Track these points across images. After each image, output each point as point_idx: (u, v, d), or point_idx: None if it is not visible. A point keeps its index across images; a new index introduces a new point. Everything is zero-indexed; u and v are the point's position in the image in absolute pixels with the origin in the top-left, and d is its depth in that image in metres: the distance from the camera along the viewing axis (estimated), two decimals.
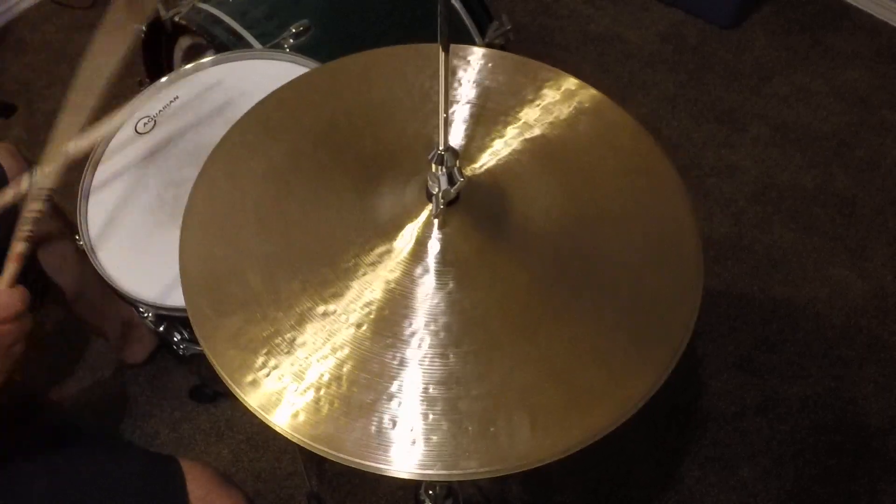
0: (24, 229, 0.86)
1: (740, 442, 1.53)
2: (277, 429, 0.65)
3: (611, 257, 0.75)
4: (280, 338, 0.70)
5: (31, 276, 1.21)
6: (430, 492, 1.08)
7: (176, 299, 1.06)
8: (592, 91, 0.86)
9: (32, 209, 0.87)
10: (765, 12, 2.22)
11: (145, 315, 1.09)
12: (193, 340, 1.17)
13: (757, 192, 1.86)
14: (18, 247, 0.85)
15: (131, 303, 1.08)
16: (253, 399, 0.66)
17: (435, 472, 0.63)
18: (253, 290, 0.73)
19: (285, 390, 0.67)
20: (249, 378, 0.67)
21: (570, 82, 0.86)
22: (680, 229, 0.76)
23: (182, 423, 1.57)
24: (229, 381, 0.68)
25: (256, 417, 0.66)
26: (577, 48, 2.16)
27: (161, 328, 1.14)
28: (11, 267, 0.84)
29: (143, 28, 1.52)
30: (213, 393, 1.57)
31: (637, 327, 0.71)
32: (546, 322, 0.71)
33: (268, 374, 0.68)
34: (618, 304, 0.72)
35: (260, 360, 0.68)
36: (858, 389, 1.58)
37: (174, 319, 1.14)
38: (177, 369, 1.62)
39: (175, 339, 1.18)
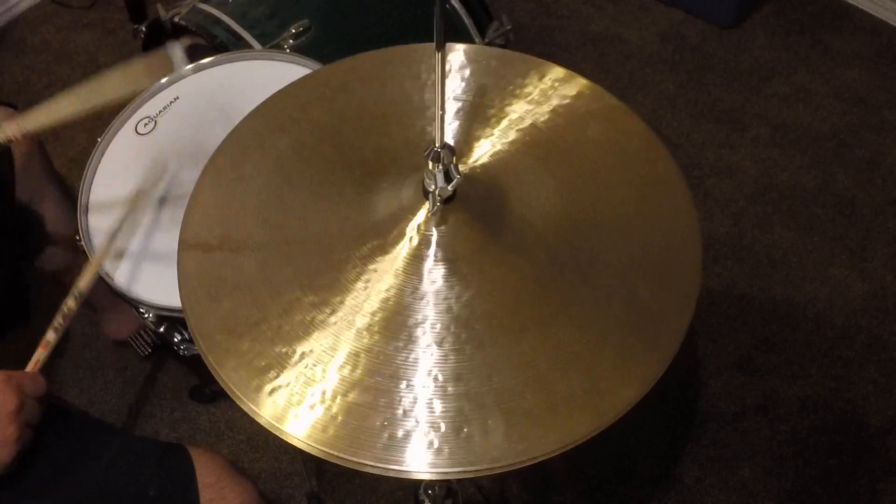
0: (57, 321, 0.92)
1: (740, 442, 1.53)
2: (263, 421, 0.66)
3: (606, 266, 0.74)
4: (266, 324, 0.70)
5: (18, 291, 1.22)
6: (430, 491, 1.08)
7: (176, 300, 1.06)
8: (607, 96, 0.85)
9: (68, 306, 0.93)
10: (765, 12, 2.22)
11: (146, 315, 1.09)
12: (194, 341, 1.17)
13: (757, 192, 1.86)
14: (50, 336, 0.90)
15: (132, 303, 1.08)
16: (232, 379, 0.68)
17: (403, 469, 0.64)
18: (246, 275, 0.73)
19: (266, 376, 0.68)
20: (233, 361, 0.69)
21: (579, 83, 0.86)
22: (681, 243, 0.76)
23: (182, 423, 1.57)
24: (217, 366, 0.69)
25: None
26: (577, 48, 2.16)
27: (161, 328, 1.14)
28: (40, 353, 0.90)
29: (144, 28, 1.52)
30: (212, 393, 1.58)
31: (624, 340, 0.70)
32: (532, 327, 0.70)
33: (251, 360, 0.68)
34: (608, 314, 0.71)
35: (246, 344, 0.69)
36: (858, 389, 1.58)
37: (175, 320, 1.14)
38: (177, 369, 1.63)
39: (175, 339, 1.18)
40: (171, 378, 1.62)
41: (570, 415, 0.65)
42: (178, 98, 1.25)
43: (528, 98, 0.85)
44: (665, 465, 1.51)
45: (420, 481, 1.07)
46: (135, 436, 1.13)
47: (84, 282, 0.97)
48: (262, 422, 0.66)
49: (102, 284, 1.47)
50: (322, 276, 0.73)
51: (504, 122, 0.84)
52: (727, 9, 2.14)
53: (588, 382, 0.67)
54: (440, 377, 0.67)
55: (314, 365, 0.68)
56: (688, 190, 0.79)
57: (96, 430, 1.03)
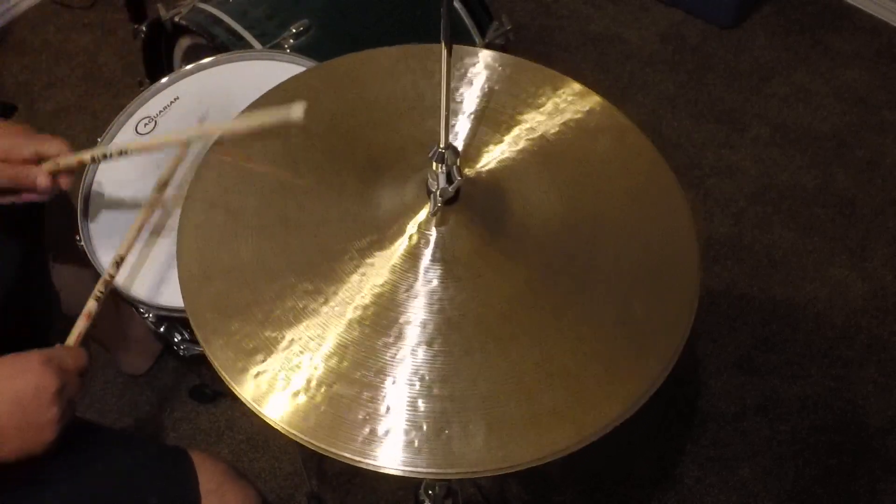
0: (98, 290, 0.90)
1: (740, 442, 1.53)
2: (246, 399, 0.66)
3: (602, 280, 0.74)
4: (258, 307, 0.71)
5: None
6: (430, 492, 1.09)
7: (176, 300, 1.06)
8: (618, 114, 0.85)
9: (109, 273, 0.93)
10: (765, 12, 2.22)
11: (145, 315, 1.09)
12: (194, 341, 1.17)
13: (757, 192, 1.86)
14: (91, 305, 0.89)
15: (131, 303, 1.08)
16: (219, 359, 0.68)
17: (381, 465, 0.64)
18: (242, 257, 0.74)
19: (253, 359, 0.68)
20: (221, 340, 0.69)
21: (592, 99, 0.86)
22: (678, 266, 0.75)
23: (182, 423, 1.57)
24: (205, 343, 0.69)
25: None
26: (577, 48, 2.16)
27: (161, 328, 1.14)
28: (81, 325, 0.87)
29: (144, 28, 1.52)
30: (213, 393, 1.58)
31: (614, 357, 0.69)
32: (523, 335, 0.70)
33: (239, 341, 0.69)
34: (600, 329, 0.71)
35: (234, 325, 0.70)
36: (858, 389, 1.58)
37: (174, 320, 1.14)
38: (177, 369, 1.63)
39: (175, 339, 1.18)
40: (171, 378, 1.62)
41: (551, 427, 0.65)
42: (178, 98, 1.25)
43: (541, 109, 0.85)
44: (665, 465, 1.51)
45: (420, 480, 1.07)
46: (135, 440, 1.12)
47: (124, 247, 0.97)
48: (250, 407, 0.66)
49: (112, 324, 1.48)
50: (318, 264, 0.73)
51: (514, 131, 0.84)
52: (727, 9, 2.14)
53: (572, 396, 0.66)
54: (426, 377, 0.67)
55: (301, 352, 0.68)
56: (690, 212, 0.78)
57: (96, 435, 1.02)
